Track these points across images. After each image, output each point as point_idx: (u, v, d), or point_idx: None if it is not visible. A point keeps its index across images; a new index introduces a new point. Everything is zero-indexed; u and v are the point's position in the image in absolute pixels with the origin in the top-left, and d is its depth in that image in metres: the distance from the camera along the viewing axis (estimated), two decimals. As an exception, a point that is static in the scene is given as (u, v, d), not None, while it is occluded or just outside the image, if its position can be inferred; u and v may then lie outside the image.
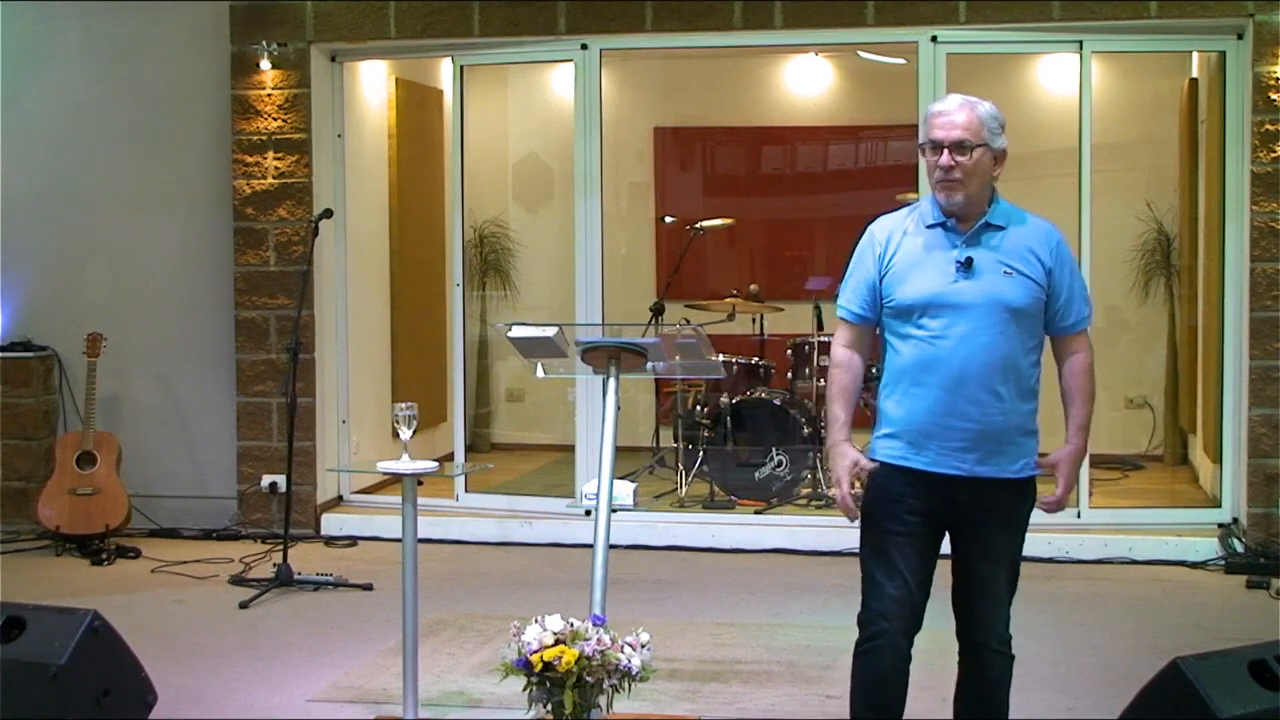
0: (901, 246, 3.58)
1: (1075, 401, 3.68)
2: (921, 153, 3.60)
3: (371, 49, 7.65)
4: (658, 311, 7.85)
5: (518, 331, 4.30)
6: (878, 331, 3.68)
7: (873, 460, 3.59)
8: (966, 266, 3.50)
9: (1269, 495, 6.68)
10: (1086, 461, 6.98)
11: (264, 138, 7.48)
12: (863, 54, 8.55)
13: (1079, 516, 6.99)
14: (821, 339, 7.68)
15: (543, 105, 9.57)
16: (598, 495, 4.05)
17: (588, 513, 6.35)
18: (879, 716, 3.61)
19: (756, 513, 7.34)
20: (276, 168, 7.47)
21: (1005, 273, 3.50)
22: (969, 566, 3.58)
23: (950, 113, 3.52)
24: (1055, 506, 3.62)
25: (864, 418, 3.85)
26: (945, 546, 3.65)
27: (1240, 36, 6.84)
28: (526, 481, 8.33)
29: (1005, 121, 3.58)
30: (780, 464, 7.49)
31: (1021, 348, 3.54)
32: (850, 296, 3.66)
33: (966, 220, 3.54)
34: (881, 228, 3.65)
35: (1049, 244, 3.55)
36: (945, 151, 3.49)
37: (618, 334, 4.31)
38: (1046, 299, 3.55)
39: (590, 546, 4.06)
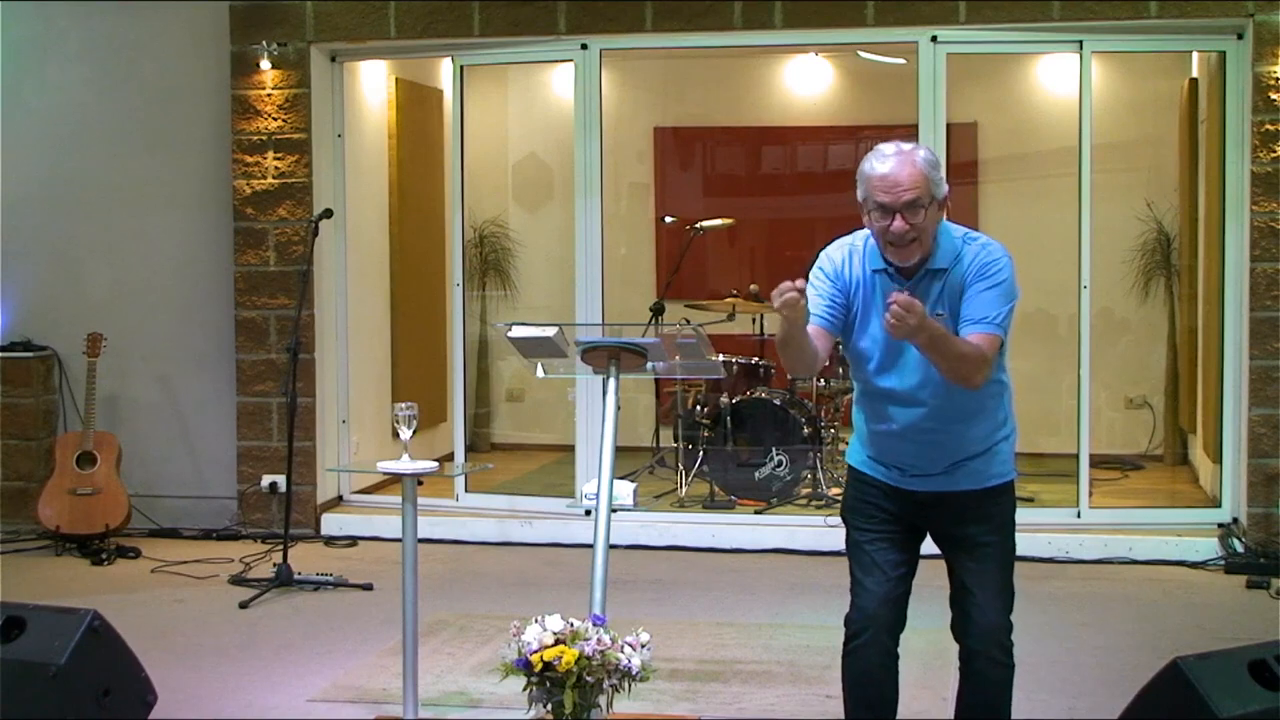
0: (855, 288, 3.53)
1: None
2: (864, 210, 3.47)
3: (371, 49, 7.65)
4: (658, 311, 7.85)
5: (518, 331, 4.30)
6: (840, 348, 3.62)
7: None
8: None
9: (1269, 495, 6.68)
10: (1086, 461, 7.02)
11: (264, 138, 7.48)
12: (863, 54, 8.56)
13: (1079, 516, 7.00)
14: (821, 339, 7.67)
15: (543, 105, 9.57)
16: (598, 495, 4.05)
17: (588, 513, 6.35)
18: (872, 715, 3.61)
19: (756, 513, 7.34)
20: (276, 168, 7.47)
21: (938, 315, 3.40)
22: (953, 570, 3.59)
23: (894, 174, 3.38)
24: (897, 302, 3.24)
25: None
26: (932, 547, 3.66)
27: (1240, 36, 6.83)
28: (526, 481, 8.33)
29: (939, 163, 3.48)
30: (780, 464, 7.49)
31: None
32: (813, 305, 3.48)
33: (908, 269, 3.48)
34: (834, 259, 3.57)
35: (974, 267, 3.45)
36: (898, 216, 3.38)
37: (618, 334, 4.30)
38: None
39: (590, 546, 4.06)
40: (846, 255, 3.58)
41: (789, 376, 7.76)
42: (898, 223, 3.39)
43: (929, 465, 3.54)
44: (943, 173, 3.47)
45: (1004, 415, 3.61)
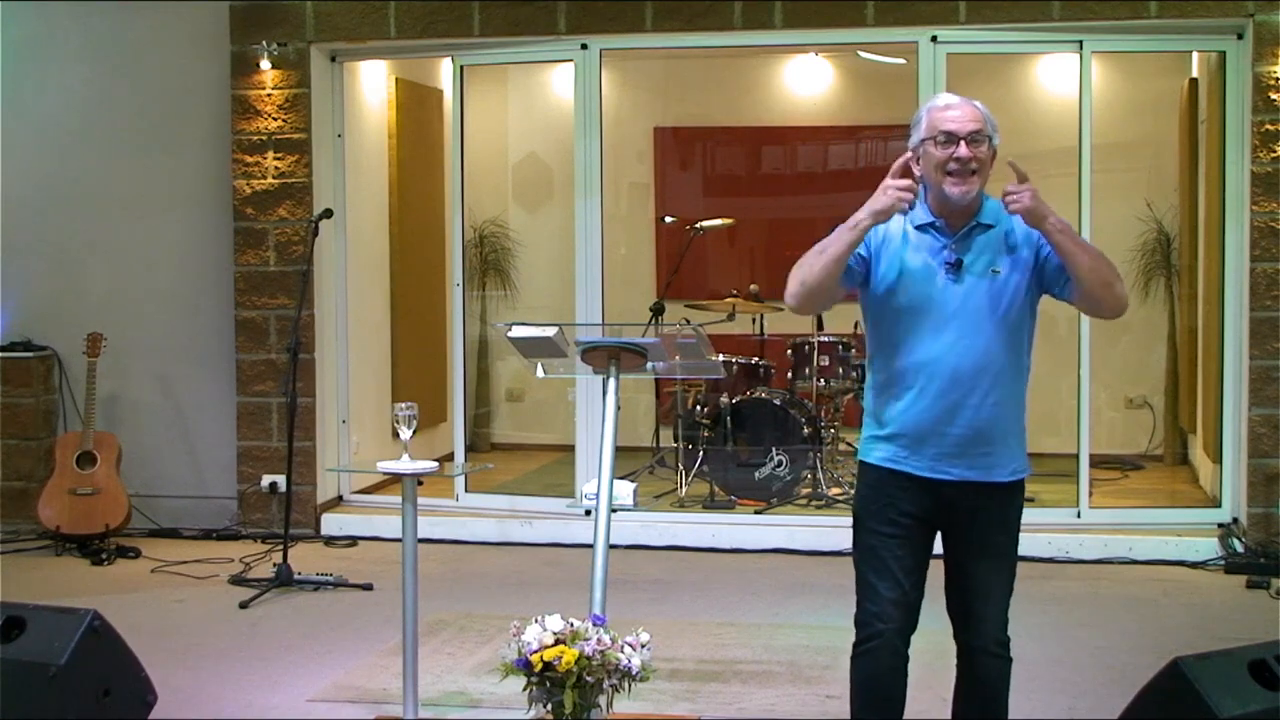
0: (890, 245, 3.53)
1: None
2: (916, 152, 3.50)
3: (371, 49, 7.65)
4: (658, 311, 7.85)
5: (518, 331, 4.30)
6: (858, 328, 3.64)
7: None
8: (955, 269, 3.47)
9: (1269, 495, 6.68)
10: (1086, 461, 7.02)
11: (264, 138, 7.48)
12: (863, 54, 8.56)
13: (1079, 516, 6.99)
14: (822, 339, 7.69)
15: (543, 105, 9.57)
16: (598, 495, 4.05)
17: (588, 513, 6.35)
18: (878, 717, 3.61)
19: (756, 513, 7.34)
20: (276, 168, 7.47)
21: (993, 272, 3.46)
22: (964, 568, 3.57)
23: (959, 106, 3.50)
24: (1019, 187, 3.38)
25: (854, 415, 3.83)
26: (938, 547, 3.64)
27: (1240, 36, 6.84)
28: (526, 481, 8.33)
29: None
30: (780, 464, 7.49)
31: (1010, 350, 3.50)
32: None
33: (958, 220, 3.50)
34: None
35: (1031, 231, 3.47)
36: (962, 143, 3.44)
37: (618, 334, 4.30)
38: (1042, 271, 3.48)
39: (590, 546, 4.06)
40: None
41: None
42: (963, 149, 3.43)
43: (961, 439, 3.47)
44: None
45: (1024, 403, 3.60)
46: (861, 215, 3.41)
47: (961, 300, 3.46)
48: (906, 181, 3.38)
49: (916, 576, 3.57)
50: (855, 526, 3.64)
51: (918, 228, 3.53)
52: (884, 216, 3.40)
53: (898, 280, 3.51)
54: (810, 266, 3.46)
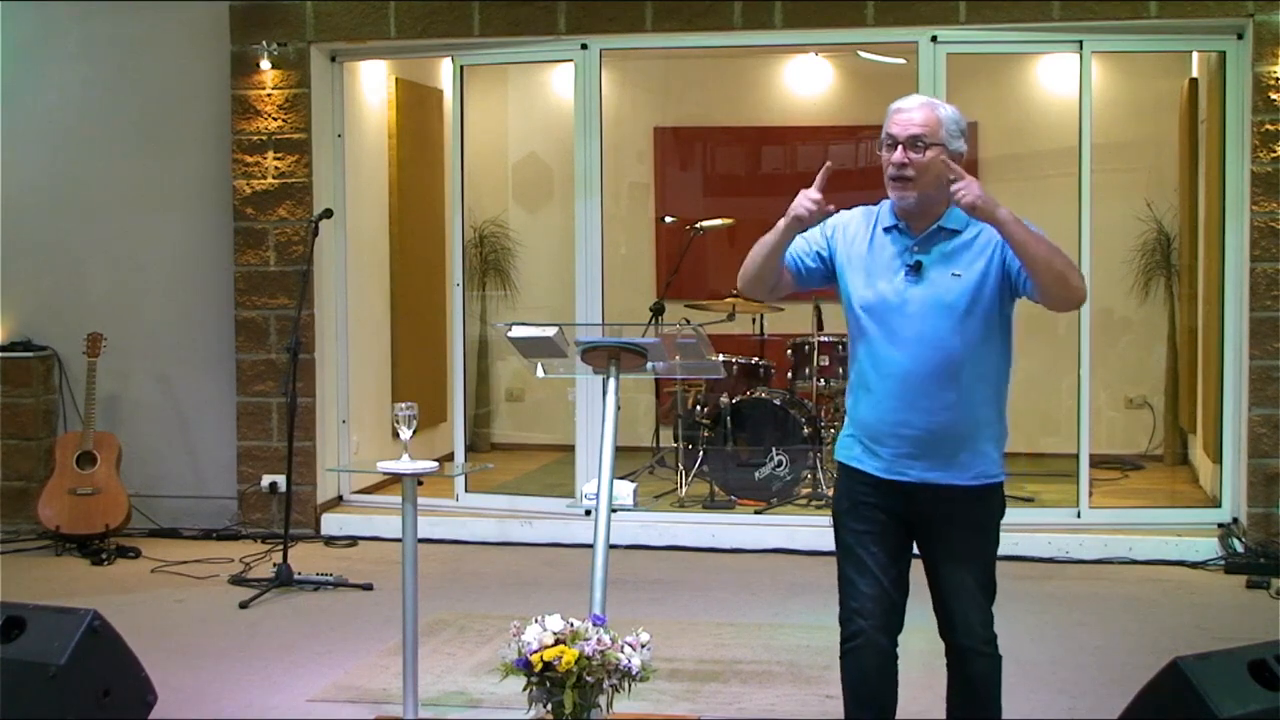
0: (854, 244, 3.56)
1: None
2: (880, 151, 3.54)
3: (371, 49, 7.65)
4: (658, 311, 7.85)
5: (518, 331, 4.30)
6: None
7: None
8: (915, 271, 3.47)
9: (1269, 495, 6.68)
10: (1086, 461, 7.02)
11: (264, 138, 7.48)
12: (863, 54, 8.56)
13: (1079, 516, 7.00)
14: (822, 339, 7.69)
15: (543, 105, 9.57)
16: (598, 495, 4.05)
17: (588, 513, 6.35)
18: (869, 715, 3.61)
19: (756, 513, 7.34)
20: (276, 168, 7.48)
21: (954, 275, 3.45)
22: (936, 568, 3.57)
23: (909, 110, 3.47)
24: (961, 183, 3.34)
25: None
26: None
27: (1240, 36, 6.84)
28: (526, 481, 8.33)
29: (966, 127, 3.52)
30: (780, 464, 7.49)
31: (974, 353, 3.48)
32: (795, 245, 3.61)
33: (920, 223, 3.51)
34: (841, 218, 3.63)
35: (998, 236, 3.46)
36: (899, 148, 3.44)
37: (618, 334, 4.30)
38: (1008, 273, 3.46)
39: (590, 546, 4.06)
40: (858, 215, 3.62)
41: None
42: (898, 154, 3.44)
43: (917, 440, 3.48)
44: (964, 134, 3.50)
45: (999, 406, 3.58)
46: (781, 221, 3.50)
47: (920, 302, 3.46)
48: (814, 194, 3.45)
49: (895, 573, 3.57)
50: (834, 524, 3.68)
51: (885, 230, 3.56)
52: (796, 224, 3.49)
53: (861, 281, 3.55)
54: (751, 258, 3.64)
